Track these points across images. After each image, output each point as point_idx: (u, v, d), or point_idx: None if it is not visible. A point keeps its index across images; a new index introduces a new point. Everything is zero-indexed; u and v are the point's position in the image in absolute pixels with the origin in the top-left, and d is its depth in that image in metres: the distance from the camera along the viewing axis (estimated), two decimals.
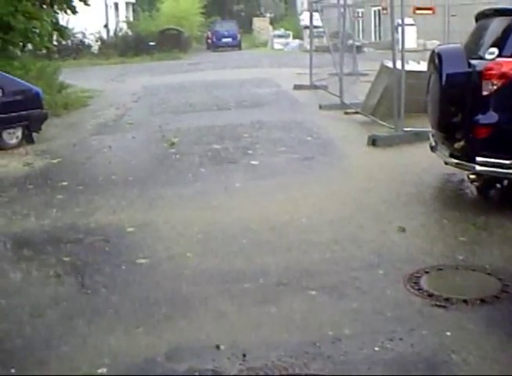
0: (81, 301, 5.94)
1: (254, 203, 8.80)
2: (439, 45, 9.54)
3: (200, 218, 8.19)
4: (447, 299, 5.55)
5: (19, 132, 13.69)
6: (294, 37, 45.38)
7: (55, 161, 12.11)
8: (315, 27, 23.67)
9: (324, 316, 5.41)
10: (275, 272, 6.34)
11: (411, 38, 26.64)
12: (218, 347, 4.92)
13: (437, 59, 8.31)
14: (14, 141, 13.60)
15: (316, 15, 23.90)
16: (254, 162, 11.19)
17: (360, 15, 39.44)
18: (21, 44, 17.25)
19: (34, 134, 13.99)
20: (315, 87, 20.63)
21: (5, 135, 13.45)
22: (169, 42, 41.53)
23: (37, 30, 16.46)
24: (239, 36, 49.28)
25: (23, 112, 13.71)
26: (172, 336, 5.20)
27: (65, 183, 10.28)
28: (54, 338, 5.26)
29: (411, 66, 13.58)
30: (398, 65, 12.59)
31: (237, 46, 48.27)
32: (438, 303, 5.51)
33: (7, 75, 14.41)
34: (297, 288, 5.95)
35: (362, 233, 7.36)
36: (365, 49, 33.86)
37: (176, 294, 5.98)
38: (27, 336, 5.30)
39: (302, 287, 5.94)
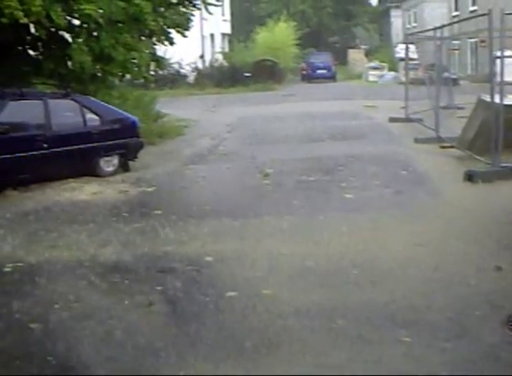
0: (171, 331, 5.96)
1: (345, 237, 8.69)
2: None
3: (292, 251, 8.13)
4: None
5: (115, 160, 13.95)
6: (389, 70, 45.14)
7: (149, 190, 12.27)
8: (411, 59, 23.53)
9: (418, 357, 5.26)
10: (366, 310, 6.24)
11: (510, 71, 26.20)
12: None
13: None
14: (110, 169, 13.85)
15: (412, 47, 23.79)
16: (347, 195, 11.10)
17: (456, 47, 39.00)
18: (120, 74, 17.61)
19: (130, 162, 14.23)
20: (411, 120, 20.42)
21: (102, 162, 13.71)
22: (264, 73, 41.76)
23: (136, 61, 16.76)
24: (333, 68, 49.17)
25: (120, 140, 13.98)
26: (261, 371, 5.15)
27: (159, 212, 10.39)
28: (144, 367, 5.29)
29: (509, 100, 13.31)
30: (496, 99, 12.36)
31: (332, 78, 48.14)
32: None
33: (105, 104, 14.73)
34: (390, 327, 5.83)
35: (457, 272, 7.18)
36: (462, 82, 33.40)
37: (263, 328, 5.93)
38: (118, 364, 5.35)
39: (395, 327, 5.82)
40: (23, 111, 12.94)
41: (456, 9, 46.78)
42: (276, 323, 6.00)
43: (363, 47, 63.50)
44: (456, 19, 39.57)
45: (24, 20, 13.48)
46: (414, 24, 54.81)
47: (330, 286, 6.94)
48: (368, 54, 56.14)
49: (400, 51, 39.31)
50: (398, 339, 5.57)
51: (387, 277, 7.13)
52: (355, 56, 55.48)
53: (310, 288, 6.88)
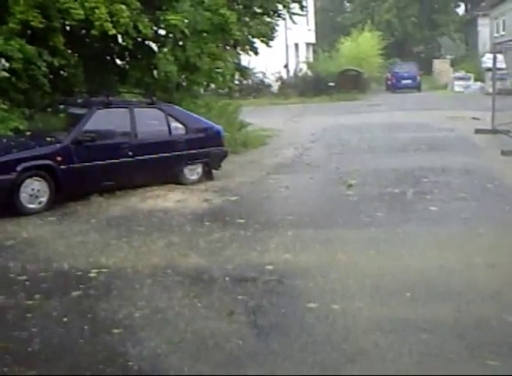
0: (251, 342, 5.95)
1: (425, 252, 8.54)
2: None
3: (373, 264, 8.05)
4: None
5: (199, 169, 14.04)
6: (475, 80, 44.40)
7: (233, 199, 12.29)
8: (498, 69, 23.06)
9: None
10: (450, 325, 6.12)
11: None
12: None
13: None
14: (194, 177, 13.95)
15: (500, 56, 23.31)
16: (432, 208, 10.92)
17: None
18: (205, 83, 17.79)
19: (214, 171, 14.30)
20: (497, 131, 19.99)
21: (186, 170, 13.82)
22: (348, 83, 41.57)
23: (221, 71, 16.92)
24: (418, 78, 48.62)
25: (205, 149, 14.07)
26: None
27: (242, 221, 10.41)
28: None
29: None
30: None
31: (417, 88, 47.64)
32: None
33: (191, 113, 14.85)
34: (471, 345, 5.69)
35: None
36: None
37: (344, 340, 5.87)
38: (196, 372, 5.37)
39: (477, 345, 5.68)
40: (110, 119, 13.16)
41: None
42: (357, 337, 5.93)
43: (449, 57, 62.66)
44: None
45: (113, 31, 13.78)
46: (502, 33, 53.66)
47: (419, 300, 6.81)
48: (453, 64, 55.34)
49: (487, 60, 38.51)
50: (483, 362, 5.40)
51: (477, 294, 6.95)
52: (441, 66, 54.70)
53: (389, 302, 6.78)
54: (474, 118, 20.64)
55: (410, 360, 5.45)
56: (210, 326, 6.29)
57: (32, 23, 13.33)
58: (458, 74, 46.62)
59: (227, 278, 7.69)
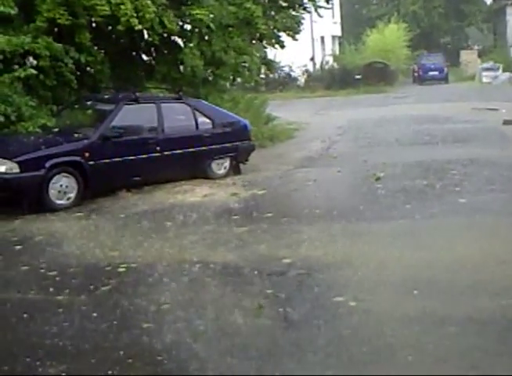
0: (280, 335, 5.92)
1: (457, 244, 8.40)
2: None
3: (403, 258, 7.95)
4: None
5: (226, 163, 14.04)
6: (504, 70, 43.99)
7: (260, 192, 12.27)
8: None
9: None
10: (480, 318, 6.05)
11: None
12: None
13: None
14: (222, 171, 13.96)
15: None
16: (461, 200, 10.82)
17: None
18: (231, 78, 17.81)
19: (241, 165, 14.31)
20: None
21: (213, 165, 13.83)
22: (375, 75, 41.43)
23: (247, 65, 16.92)
24: (446, 69, 48.33)
25: (232, 143, 14.07)
26: None
27: (270, 215, 10.39)
28: (250, 370, 5.28)
29: None
30: None
31: (444, 79, 47.34)
32: None
33: (217, 108, 14.88)
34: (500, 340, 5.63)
35: None
36: None
37: (372, 334, 5.83)
38: (223, 366, 5.36)
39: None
40: (137, 115, 13.22)
41: None
42: (384, 330, 5.87)
43: (476, 47, 62.14)
44: None
45: (139, 27, 13.82)
46: None
47: (448, 294, 6.73)
48: (481, 54, 54.87)
49: None
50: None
51: (492, 291, 6.79)
52: (468, 56, 54.29)
53: (417, 296, 6.70)
54: (493, 109, 20.39)
55: (440, 353, 5.41)
56: (240, 320, 6.28)
57: (59, 21, 13.42)
58: (486, 65, 46.19)
59: (255, 272, 7.68)
